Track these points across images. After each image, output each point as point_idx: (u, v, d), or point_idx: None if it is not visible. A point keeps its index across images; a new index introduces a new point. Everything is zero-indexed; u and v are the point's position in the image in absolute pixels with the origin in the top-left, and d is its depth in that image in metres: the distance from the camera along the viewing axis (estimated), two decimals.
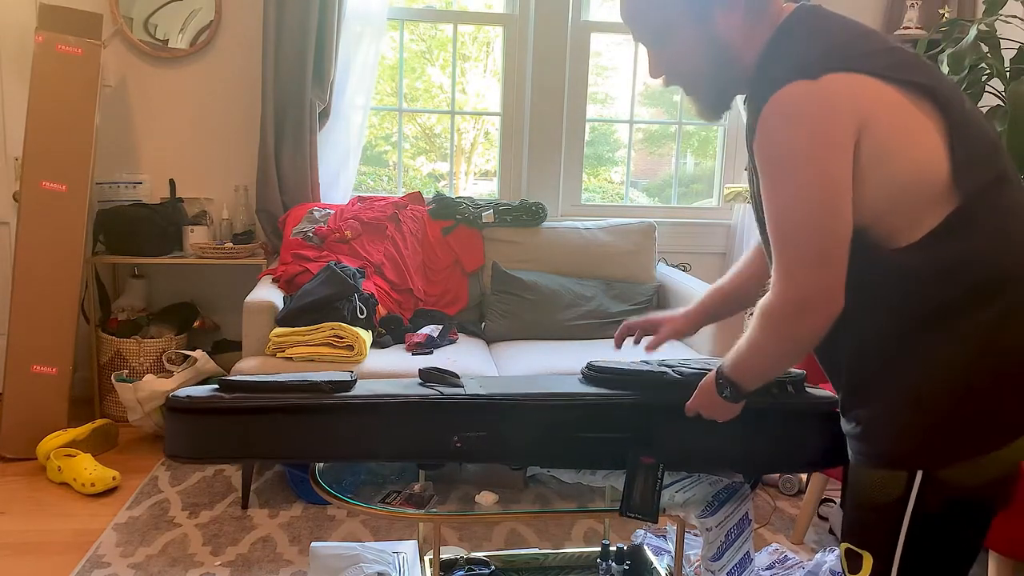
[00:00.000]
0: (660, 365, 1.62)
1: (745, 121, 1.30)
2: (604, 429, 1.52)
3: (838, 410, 1.31)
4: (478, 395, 1.52)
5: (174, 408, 1.49)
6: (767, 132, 1.16)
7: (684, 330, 1.62)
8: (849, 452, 1.27)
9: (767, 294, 1.22)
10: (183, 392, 1.51)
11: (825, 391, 1.59)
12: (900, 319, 1.17)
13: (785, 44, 1.22)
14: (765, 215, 1.20)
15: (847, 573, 1.27)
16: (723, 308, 1.62)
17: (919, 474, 1.16)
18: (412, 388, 1.56)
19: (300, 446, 1.50)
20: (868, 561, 1.22)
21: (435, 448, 1.50)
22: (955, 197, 1.13)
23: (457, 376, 1.62)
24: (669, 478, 1.63)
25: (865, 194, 1.14)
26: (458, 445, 1.49)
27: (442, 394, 1.52)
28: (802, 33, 1.22)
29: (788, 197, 1.16)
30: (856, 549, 1.24)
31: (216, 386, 1.53)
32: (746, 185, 2.45)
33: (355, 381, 1.56)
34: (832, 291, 1.15)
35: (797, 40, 1.21)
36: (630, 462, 1.50)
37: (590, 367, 1.64)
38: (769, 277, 1.32)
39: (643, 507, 1.49)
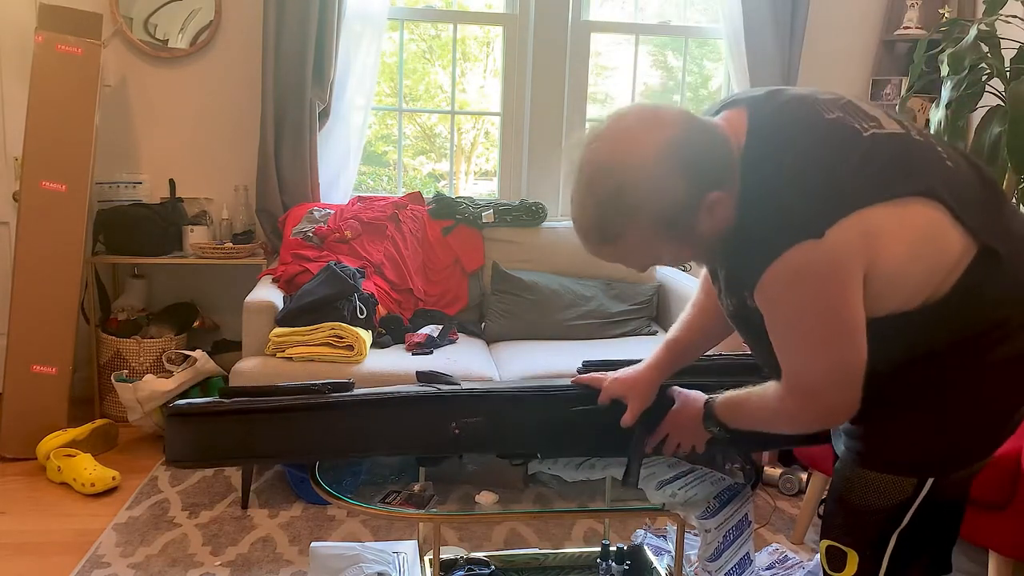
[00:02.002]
0: None
1: (723, 264, 1.25)
2: (600, 416, 1.52)
3: None
4: (474, 388, 1.54)
5: (174, 414, 1.49)
6: (776, 295, 1.13)
7: (651, 398, 1.49)
8: (843, 450, 1.28)
9: (783, 396, 1.22)
10: (183, 402, 1.52)
11: None
12: (925, 354, 1.18)
13: (765, 194, 1.14)
14: (778, 350, 1.19)
15: (828, 571, 1.28)
16: (683, 359, 1.53)
17: (929, 481, 1.20)
18: (410, 389, 1.57)
19: (300, 444, 1.50)
20: (853, 559, 1.24)
21: (434, 438, 1.50)
22: (973, 246, 1.15)
23: (453, 377, 1.63)
24: (670, 471, 1.64)
25: (883, 303, 1.14)
26: (456, 432, 1.48)
27: (440, 390, 1.53)
28: (780, 177, 1.14)
29: (806, 355, 1.16)
30: (841, 547, 1.25)
31: (215, 398, 1.54)
32: None
33: (353, 383, 1.56)
34: (850, 404, 1.17)
35: (778, 189, 1.13)
36: (636, 438, 1.50)
37: (585, 364, 1.65)
38: (729, 326, 1.35)
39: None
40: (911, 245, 1.12)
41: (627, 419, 1.47)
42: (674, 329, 1.52)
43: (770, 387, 1.26)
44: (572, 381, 1.58)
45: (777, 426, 1.29)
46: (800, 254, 1.08)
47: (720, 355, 1.65)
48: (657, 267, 3.52)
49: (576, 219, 1.20)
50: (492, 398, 1.53)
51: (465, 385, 1.59)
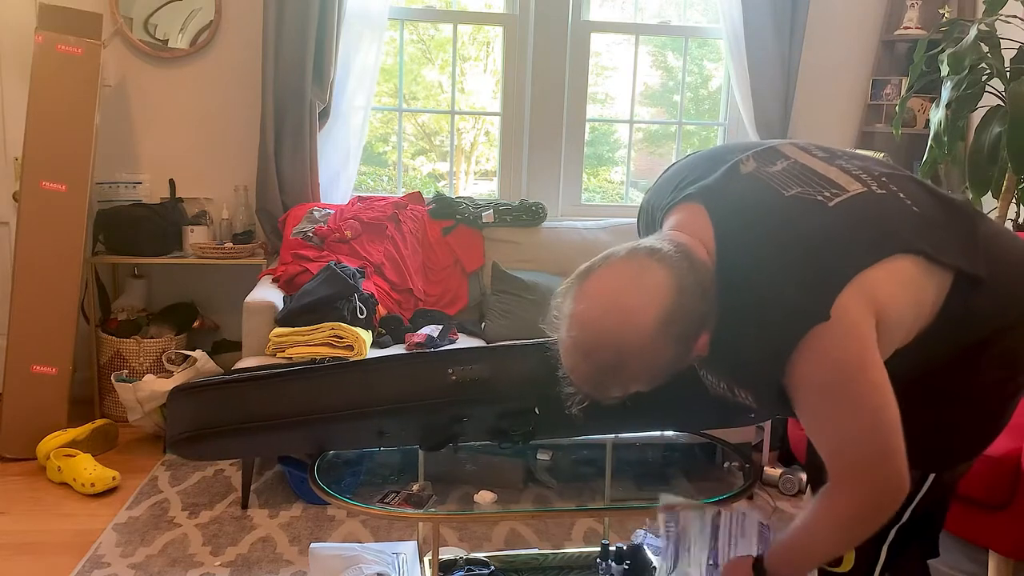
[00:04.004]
0: None
1: (711, 369, 1.25)
2: None
3: None
4: (472, 346, 1.56)
5: (176, 391, 1.51)
6: (806, 388, 1.12)
7: None
8: None
9: (830, 497, 1.17)
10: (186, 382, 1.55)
11: None
12: (922, 370, 1.22)
13: (753, 293, 1.14)
14: (816, 436, 1.17)
15: (825, 566, 1.29)
16: None
17: (930, 477, 1.25)
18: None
19: (299, 405, 1.50)
20: (850, 554, 1.26)
21: (432, 384, 1.50)
22: (948, 276, 1.18)
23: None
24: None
25: (886, 350, 1.15)
26: (453, 378, 1.48)
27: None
28: (760, 267, 1.14)
29: (849, 426, 1.12)
30: None
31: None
32: None
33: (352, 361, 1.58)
34: (902, 479, 1.13)
35: (763, 281, 1.13)
36: None
37: None
38: None
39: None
40: (904, 295, 1.14)
41: None
42: None
43: (814, 505, 1.20)
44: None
45: (838, 540, 1.20)
46: (818, 339, 1.08)
47: None
48: None
49: (572, 374, 1.18)
50: (488, 349, 1.56)
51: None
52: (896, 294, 1.13)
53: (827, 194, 1.16)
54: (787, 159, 1.23)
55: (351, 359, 2.67)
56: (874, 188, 1.20)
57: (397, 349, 2.92)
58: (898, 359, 1.17)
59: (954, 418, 1.23)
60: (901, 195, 1.20)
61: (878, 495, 1.13)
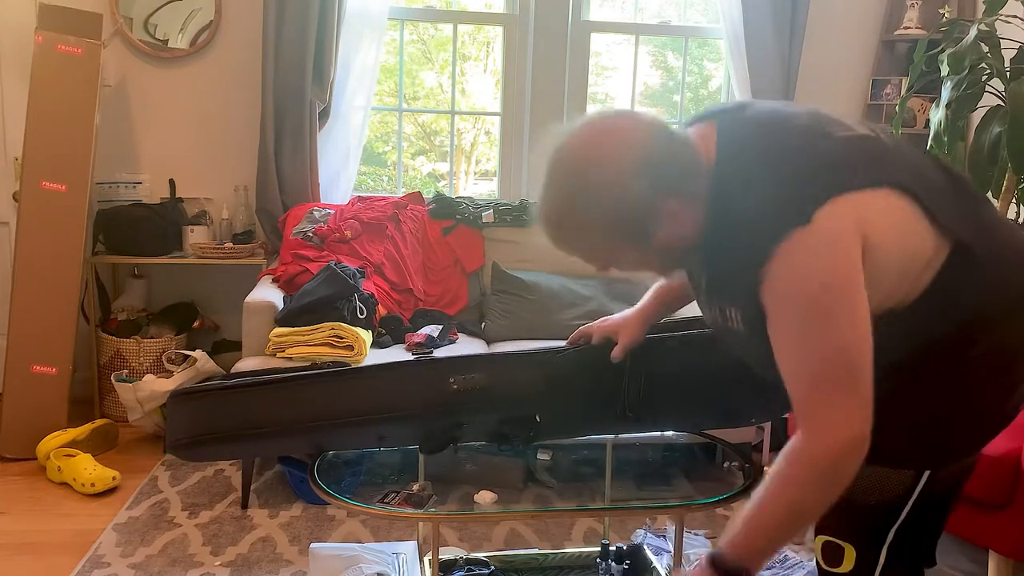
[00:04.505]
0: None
1: (703, 274, 1.24)
2: (597, 376, 1.54)
3: None
4: (473, 354, 1.58)
5: (176, 395, 1.51)
6: (786, 288, 1.09)
7: (640, 335, 1.54)
8: None
9: (796, 446, 1.10)
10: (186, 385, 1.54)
11: None
12: (915, 351, 1.19)
13: (737, 198, 1.14)
14: (790, 360, 1.11)
15: (824, 565, 1.28)
16: (675, 301, 1.58)
17: (925, 474, 1.21)
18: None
19: (299, 412, 1.50)
20: (851, 554, 1.25)
21: (433, 394, 1.50)
22: (946, 245, 1.15)
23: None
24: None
25: (871, 296, 1.12)
26: (455, 387, 1.48)
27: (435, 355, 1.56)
28: (754, 171, 1.14)
29: (818, 342, 1.08)
30: (838, 542, 1.26)
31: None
32: None
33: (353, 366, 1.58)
34: (866, 427, 1.07)
35: (755, 183, 1.13)
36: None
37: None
38: None
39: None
40: (895, 235, 1.12)
41: (617, 352, 1.51)
42: (663, 279, 1.57)
43: (772, 467, 1.14)
44: (570, 340, 1.62)
45: (809, 498, 1.10)
46: (791, 245, 1.07)
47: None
48: None
49: (540, 209, 1.24)
50: (489, 357, 1.56)
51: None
52: (886, 229, 1.10)
53: (834, 129, 1.18)
54: (808, 107, 1.25)
55: (351, 362, 2.67)
56: (883, 137, 1.20)
57: (397, 349, 2.92)
58: (887, 326, 1.13)
59: (948, 413, 1.20)
60: (908, 151, 1.21)
61: (839, 437, 1.06)
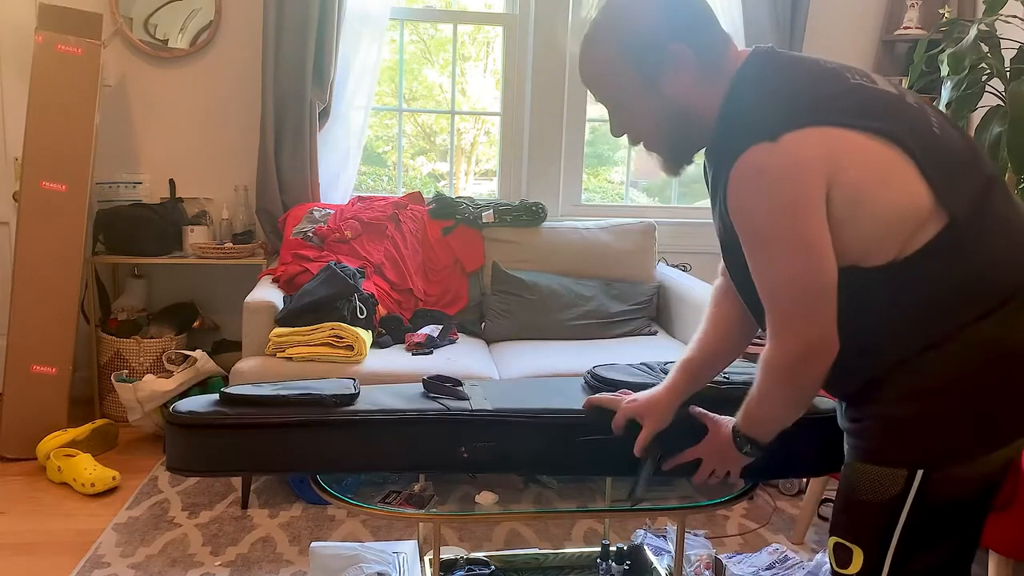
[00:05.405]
0: (661, 371, 1.61)
1: (709, 174, 1.30)
2: (615, 461, 1.51)
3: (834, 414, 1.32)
4: (484, 410, 1.51)
5: (175, 423, 1.46)
6: (737, 200, 1.16)
7: (668, 420, 1.47)
8: (845, 447, 1.28)
9: (767, 348, 1.22)
10: (184, 407, 1.48)
11: (822, 397, 1.58)
12: (903, 329, 1.17)
13: (741, 100, 1.22)
14: (752, 274, 1.21)
15: (835, 567, 1.28)
16: (700, 379, 1.49)
17: (919, 473, 1.18)
18: (416, 401, 1.54)
19: (303, 459, 1.48)
20: (858, 556, 1.24)
21: (442, 459, 1.50)
22: (943, 214, 1.14)
23: (461, 384, 1.61)
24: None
25: (845, 239, 1.14)
26: (465, 456, 1.48)
27: (448, 409, 1.51)
28: (756, 87, 1.21)
29: (769, 263, 1.17)
30: (846, 543, 1.25)
31: (217, 398, 1.51)
32: None
33: (358, 394, 1.55)
34: (826, 340, 1.17)
35: (752, 96, 1.21)
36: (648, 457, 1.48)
37: (594, 376, 1.65)
38: (745, 333, 1.42)
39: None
40: (875, 178, 1.12)
41: (641, 440, 1.46)
42: (689, 349, 1.49)
43: (758, 370, 1.26)
44: (586, 404, 1.54)
45: (778, 399, 1.27)
46: (756, 155, 1.12)
47: (729, 379, 1.62)
48: (657, 267, 3.52)
49: (581, 38, 1.33)
50: (502, 423, 1.50)
51: (472, 395, 1.58)
52: (864, 173, 1.12)
53: (858, 78, 1.21)
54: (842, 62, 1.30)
55: (352, 362, 2.66)
56: (907, 98, 1.22)
57: (397, 349, 2.92)
58: (866, 283, 1.15)
59: (942, 407, 1.17)
60: (930, 116, 1.21)
61: (800, 348, 1.17)
